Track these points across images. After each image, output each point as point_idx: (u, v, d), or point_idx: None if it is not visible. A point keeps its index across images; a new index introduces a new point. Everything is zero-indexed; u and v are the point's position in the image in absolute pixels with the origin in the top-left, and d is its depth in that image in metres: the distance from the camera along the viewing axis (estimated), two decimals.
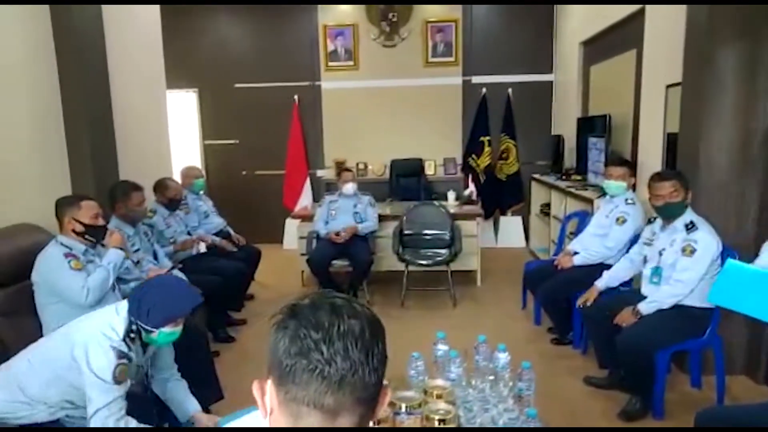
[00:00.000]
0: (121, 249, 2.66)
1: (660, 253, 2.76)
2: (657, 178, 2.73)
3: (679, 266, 2.62)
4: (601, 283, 3.11)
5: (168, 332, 1.92)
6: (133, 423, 1.83)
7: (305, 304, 0.76)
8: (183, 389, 2.15)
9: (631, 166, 3.52)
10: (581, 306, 3.11)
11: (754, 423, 1.79)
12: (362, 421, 0.74)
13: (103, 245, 2.67)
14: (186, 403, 2.12)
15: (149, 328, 1.89)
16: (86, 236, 2.53)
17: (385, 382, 0.77)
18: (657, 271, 2.76)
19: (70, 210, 2.52)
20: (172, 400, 2.11)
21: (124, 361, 1.82)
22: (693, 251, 2.58)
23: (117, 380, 1.79)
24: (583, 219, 3.97)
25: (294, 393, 0.72)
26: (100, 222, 2.62)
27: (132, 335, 1.88)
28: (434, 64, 6.45)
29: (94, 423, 1.77)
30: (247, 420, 2.00)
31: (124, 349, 1.84)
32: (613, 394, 2.86)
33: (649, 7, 3.86)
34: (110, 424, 1.77)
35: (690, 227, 2.63)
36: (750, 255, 2.92)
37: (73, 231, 2.51)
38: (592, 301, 3.07)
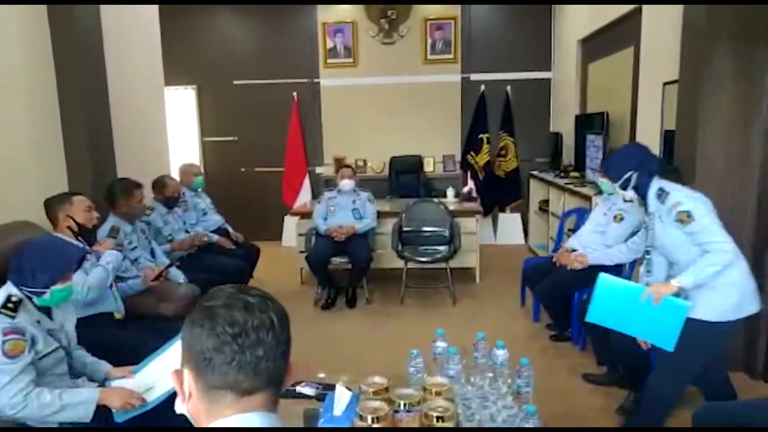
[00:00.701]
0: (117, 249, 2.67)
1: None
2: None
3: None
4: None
5: (60, 289, 1.88)
6: (46, 394, 1.75)
7: (219, 304, 0.83)
8: (87, 354, 2.11)
9: None
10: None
11: (752, 420, 1.80)
12: (275, 395, 0.86)
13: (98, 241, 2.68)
14: (98, 364, 2.08)
15: (39, 290, 1.84)
16: (79, 237, 2.54)
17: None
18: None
19: (63, 207, 2.54)
20: (84, 366, 2.07)
21: (13, 336, 1.74)
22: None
23: (9, 356, 1.72)
24: (581, 216, 3.98)
25: (212, 382, 0.82)
26: (94, 215, 2.64)
27: (10, 305, 1.78)
28: (433, 62, 6.44)
29: None
30: (163, 359, 2.01)
31: (7, 321, 1.75)
32: (611, 390, 2.88)
33: (646, 6, 3.86)
34: (19, 400, 1.71)
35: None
36: (748, 251, 2.94)
37: (69, 228, 2.51)
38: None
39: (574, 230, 3.91)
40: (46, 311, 1.93)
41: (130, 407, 1.85)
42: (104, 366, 2.07)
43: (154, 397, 1.91)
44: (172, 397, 1.80)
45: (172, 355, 1.98)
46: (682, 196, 2.21)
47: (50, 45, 3.14)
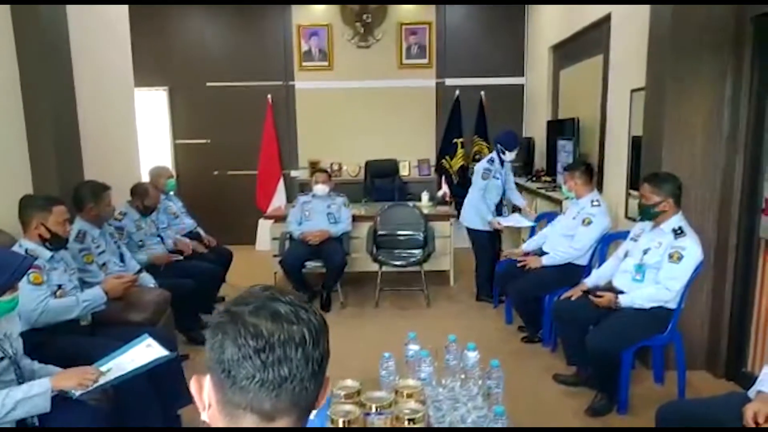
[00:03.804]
0: (106, 294, 2.54)
1: (644, 252, 2.77)
2: (643, 178, 2.84)
3: (668, 273, 2.64)
4: (589, 281, 3.06)
5: (7, 301, 1.80)
6: None
7: (247, 309, 0.74)
8: (34, 362, 2.05)
9: (584, 167, 3.54)
10: (563, 297, 3.03)
11: (713, 415, 1.86)
12: (300, 421, 0.76)
13: (66, 247, 2.61)
14: (45, 369, 2.01)
15: None
16: (47, 243, 2.45)
17: (327, 374, 0.79)
18: (640, 268, 2.76)
19: (39, 213, 2.43)
20: (32, 373, 2.00)
21: None
22: (680, 258, 2.62)
23: None
24: (552, 220, 4.05)
25: (230, 397, 0.73)
26: (68, 227, 2.55)
27: None
28: (408, 66, 6.49)
29: None
30: (127, 356, 1.98)
31: None
32: (580, 390, 2.93)
33: (614, 14, 3.95)
34: None
35: (678, 233, 2.67)
36: (709, 253, 3.04)
37: (39, 236, 2.43)
38: (576, 297, 2.97)
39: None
40: None
41: (88, 383, 1.85)
42: (53, 369, 2.02)
43: (112, 377, 1.93)
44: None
45: (135, 354, 2.01)
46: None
47: (13, 43, 3.04)
